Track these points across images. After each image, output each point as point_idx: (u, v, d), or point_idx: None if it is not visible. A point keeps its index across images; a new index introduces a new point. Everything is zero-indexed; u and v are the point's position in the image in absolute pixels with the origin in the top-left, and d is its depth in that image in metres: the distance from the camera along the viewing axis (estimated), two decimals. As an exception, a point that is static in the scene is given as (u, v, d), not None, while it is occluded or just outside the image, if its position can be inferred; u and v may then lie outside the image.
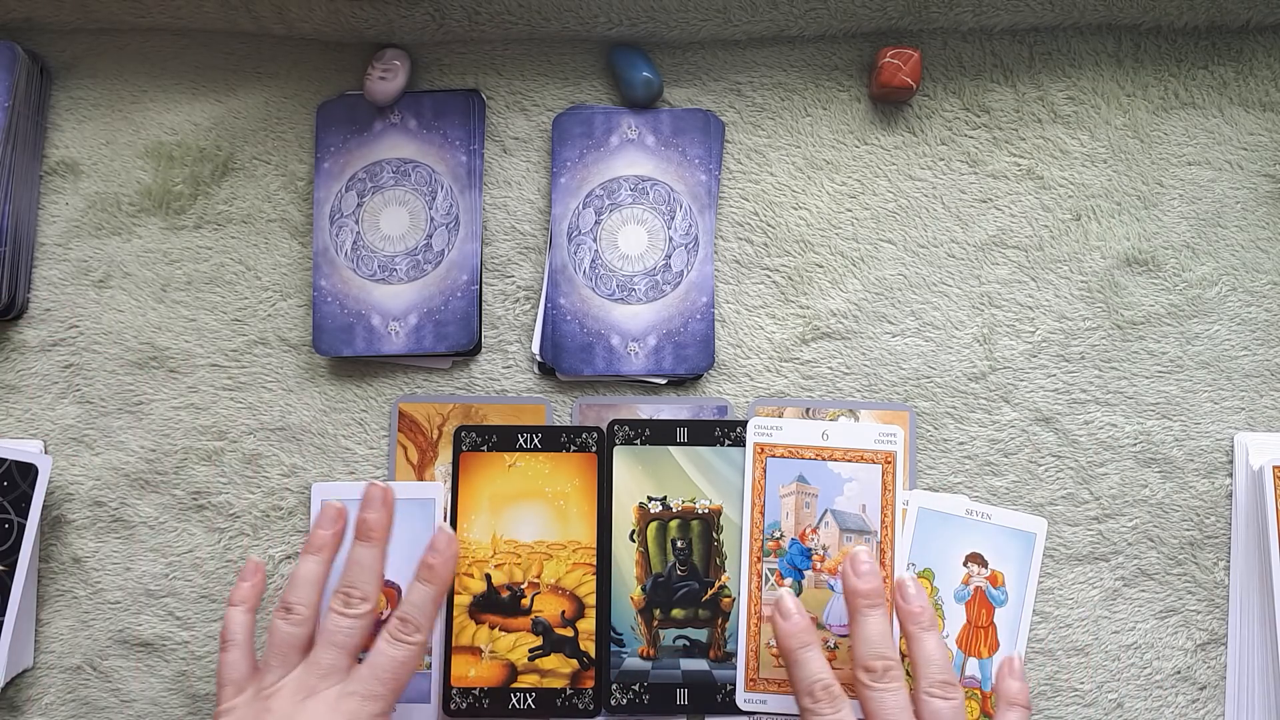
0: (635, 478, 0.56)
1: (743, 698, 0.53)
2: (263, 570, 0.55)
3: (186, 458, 0.59)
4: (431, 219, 0.60)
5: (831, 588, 0.53)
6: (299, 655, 0.50)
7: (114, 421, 0.60)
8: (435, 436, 0.59)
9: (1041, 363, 0.59)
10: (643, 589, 0.55)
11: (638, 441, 0.56)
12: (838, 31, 0.60)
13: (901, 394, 0.59)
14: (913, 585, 0.51)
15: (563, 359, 0.58)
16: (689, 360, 0.58)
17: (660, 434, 0.56)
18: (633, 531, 0.55)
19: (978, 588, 0.57)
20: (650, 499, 0.55)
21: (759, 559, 0.53)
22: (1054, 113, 0.60)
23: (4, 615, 0.55)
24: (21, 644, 0.57)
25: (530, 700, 0.54)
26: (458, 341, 0.59)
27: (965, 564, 0.57)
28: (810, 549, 0.53)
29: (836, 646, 0.53)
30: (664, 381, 0.59)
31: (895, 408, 0.58)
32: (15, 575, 0.55)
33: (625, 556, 0.55)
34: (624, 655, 0.54)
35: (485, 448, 0.56)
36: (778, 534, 0.54)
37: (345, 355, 0.59)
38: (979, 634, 0.56)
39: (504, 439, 0.56)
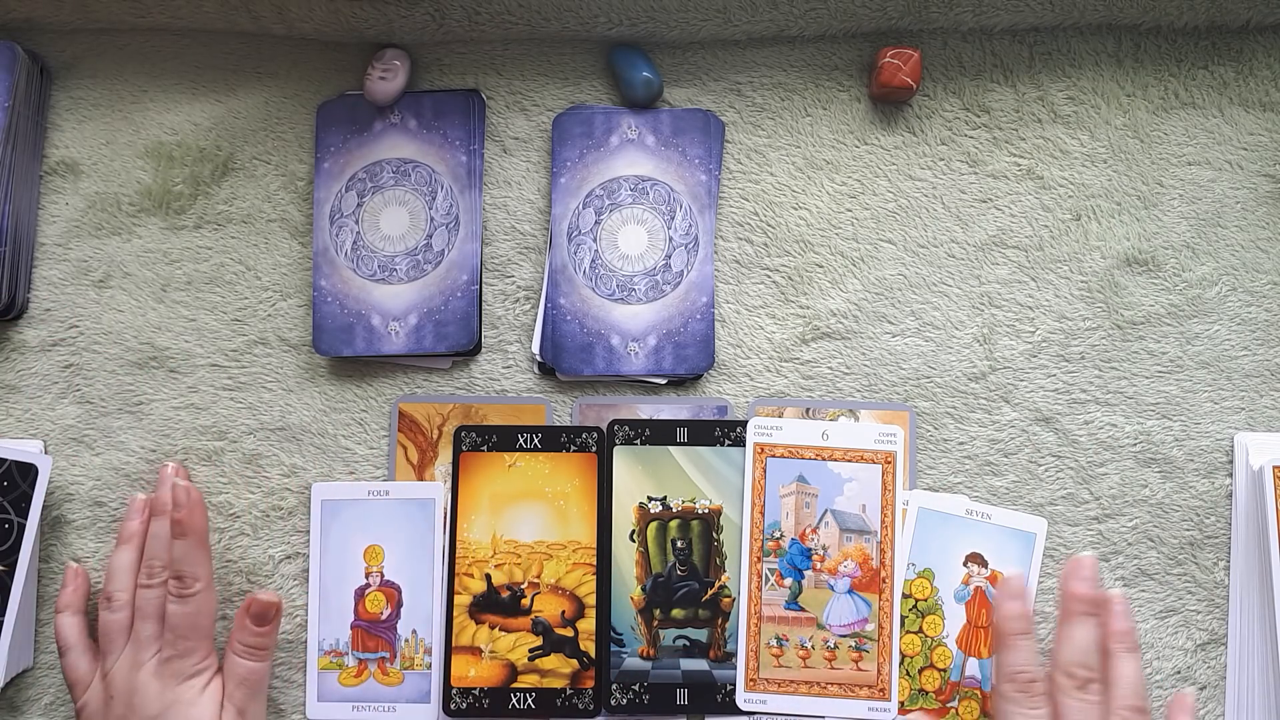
0: (635, 478, 0.56)
1: (743, 698, 0.53)
2: (83, 574, 0.58)
3: (186, 458, 0.59)
4: (431, 219, 0.60)
5: (831, 588, 0.53)
6: (125, 638, 0.54)
7: (114, 421, 0.60)
8: (435, 436, 0.59)
9: (1041, 363, 0.59)
10: (643, 589, 0.55)
11: (638, 441, 0.56)
12: (838, 31, 0.60)
13: (901, 394, 0.59)
14: (1124, 605, 0.52)
15: (563, 359, 0.58)
16: (689, 360, 0.58)
17: (660, 434, 0.56)
18: (633, 531, 0.55)
19: (978, 588, 0.57)
20: (650, 499, 0.55)
21: (759, 559, 0.53)
22: (1054, 113, 0.60)
23: (4, 615, 0.55)
24: (21, 644, 0.57)
25: (530, 700, 0.54)
26: (458, 341, 0.59)
27: (965, 564, 0.57)
28: (810, 549, 0.53)
29: (836, 647, 0.53)
30: (664, 381, 0.59)
31: (895, 408, 0.58)
32: (15, 575, 0.55)
33: (625, 556, 0.55)
34: (624, 655, 0.54)
35: (485, 448, 0.56)
36: (778, 534, 0.54)
37: (345, 355, 0.59)
38: (979, 634, 0.56)
39: (504, 439, 0.55)
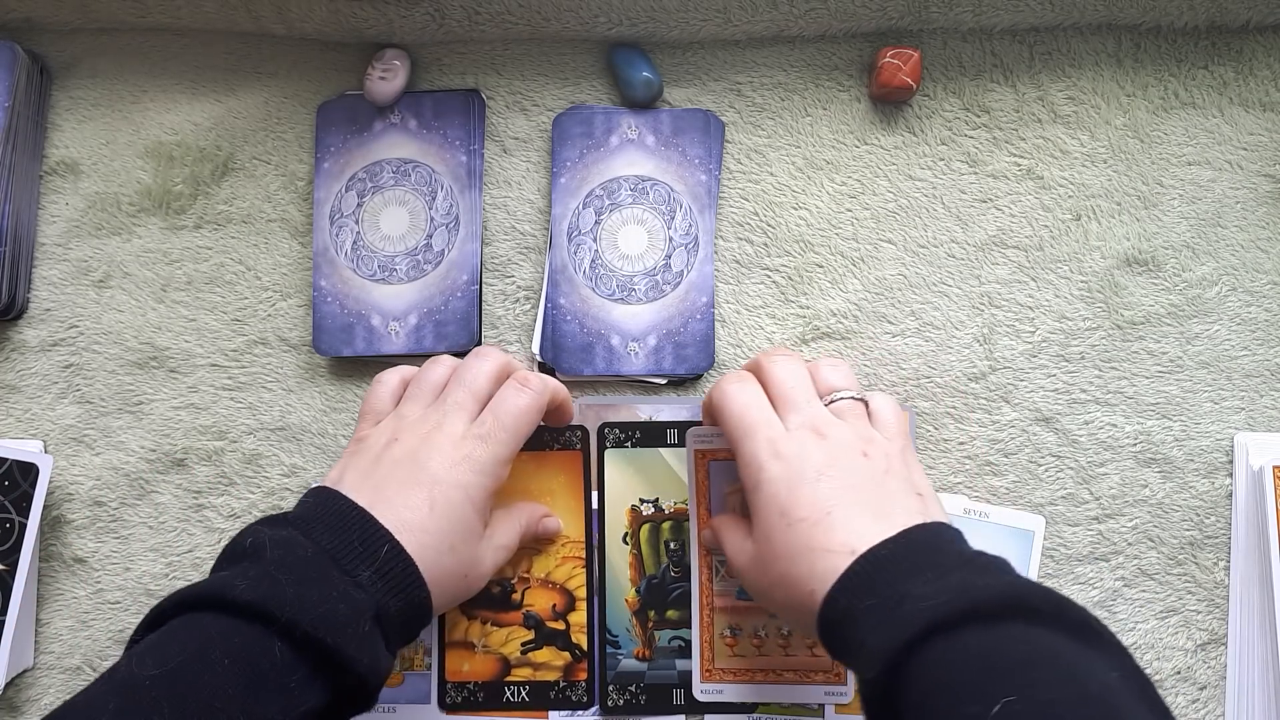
0: (627, 480, 0.56)
1: (699, 688, 0.53)
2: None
3: (186, 458, 0.59)
4: (431, 219, 0.60)
5: None
6: (435, 396, 0.50)
7: (114, 421, 0.60)
8: (435, 436, 0.59)
9: (1041, 363, 0.59)
10: (637, 591, 0.55)
11: (628, 444, 0.56)
12: (838, 31, 0.60)
13: (901, 394, 0.59)
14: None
15: (563, 359, 0.58)
16: (689, 360, 0.58)
17: (650, 436, 0.56)
18: (625, 534, 0.55)
19: (978, 588, 0.57)
20: (642, 501, 0.56)
21: (708, 552, 0.53)
22: (1054, 113, 0.60)
23: (4, 615, 0.55)
24: (21, 644, 0.57)
25: (524, 693, 0.54)
26: (458, 341, 0.59)
27: (965, 564, 0.57)
28: None
29: (790, 634, 0.53)
30: (664, 381, 0.59)
31: (895, 408, 0.58)
32: (16, 575, 0.55)
33: (619, 559, 0.55)
34: (620, 657, 0.55)
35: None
36: None
37: (345, 355, 0.59)
38: (979, 634, 0.56)
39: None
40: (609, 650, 0.55)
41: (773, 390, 0.48)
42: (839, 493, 0.43)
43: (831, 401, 0.48)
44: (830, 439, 0.45)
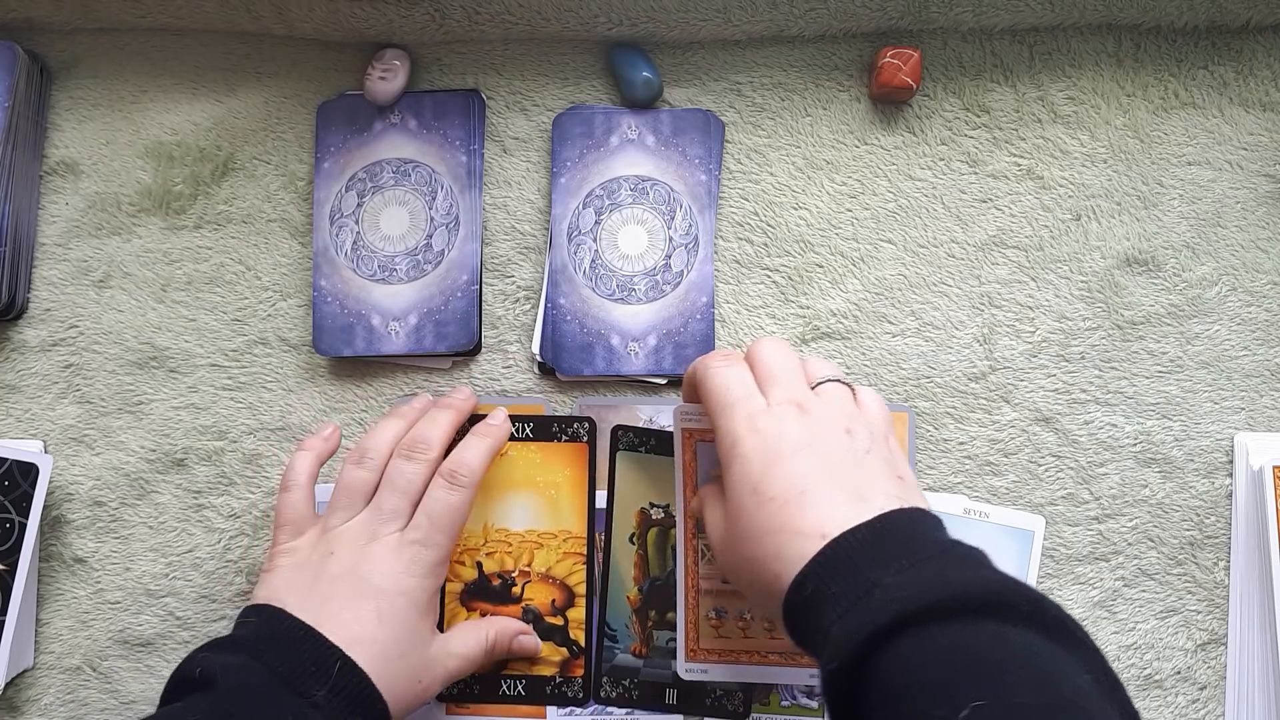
0: (638, 483, 0.56)
1: (684, 667, 0.52)
2: (338, 433, 0.55)
3: (186, 458, 0.59)
4: (431, 219, 0.60)
5: None
6: (364, 502, 0.50)
7: (114, 421, 0.60)
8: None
9: (1041, 363, 0.59)
10: (639, 590, 0.55)
11: (642, 450, 0.56)
12: (838, 31, 0.60)
13: (901, 394, 0.59)
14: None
15: (563, 359, 0.58)
16: (689, 360, 0.58)
17: (664, 445, 0.56)
18: (633, 534, 0.55)
19: (978, 588, 0.57)
20: (653, 505, 0.56)
21: (694, 535, 0.52)
22: (1054, 113, 0.60)
23: (4, 615, 0.55)
24: (21, 644, 0.57)
25: (520, 687, 0.54)
26: (458, 341, 0.59)
27: (965, 564, 0.57)
28: None
29: (753, 619, 0.52)
30: (664, 381, 0.59)
31: (895, 408, 0.58)
32: (16, 575, 0.55)
33: (624, 558, 0.55)
34: (616, 650, 0.55)
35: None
36: None
37: (345, 355, 0.59)
38: (979, 634, 0.56)
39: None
40: (607, 644, 0.55)
41: (758, 369, 0.46)
42: (814, 470, 0.41)
43: (818, 385, 0.46)
44: (813, 415, 0.43)
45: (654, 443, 0.56)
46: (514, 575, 0.55)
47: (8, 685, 0.57)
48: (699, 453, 0.52)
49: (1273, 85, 0.60)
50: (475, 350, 0.59)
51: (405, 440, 0.51)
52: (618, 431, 0.56)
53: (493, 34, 0.61)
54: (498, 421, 0.54)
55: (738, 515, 0.42)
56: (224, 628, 0.58)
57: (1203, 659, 0.57)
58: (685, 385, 0.51)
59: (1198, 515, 0.58)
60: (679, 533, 0.52)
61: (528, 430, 0.56)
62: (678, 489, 0.52)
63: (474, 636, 0.51)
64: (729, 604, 0.53)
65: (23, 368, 0.60)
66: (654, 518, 0.55)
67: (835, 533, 0.38)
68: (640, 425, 0.57)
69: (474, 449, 0.51)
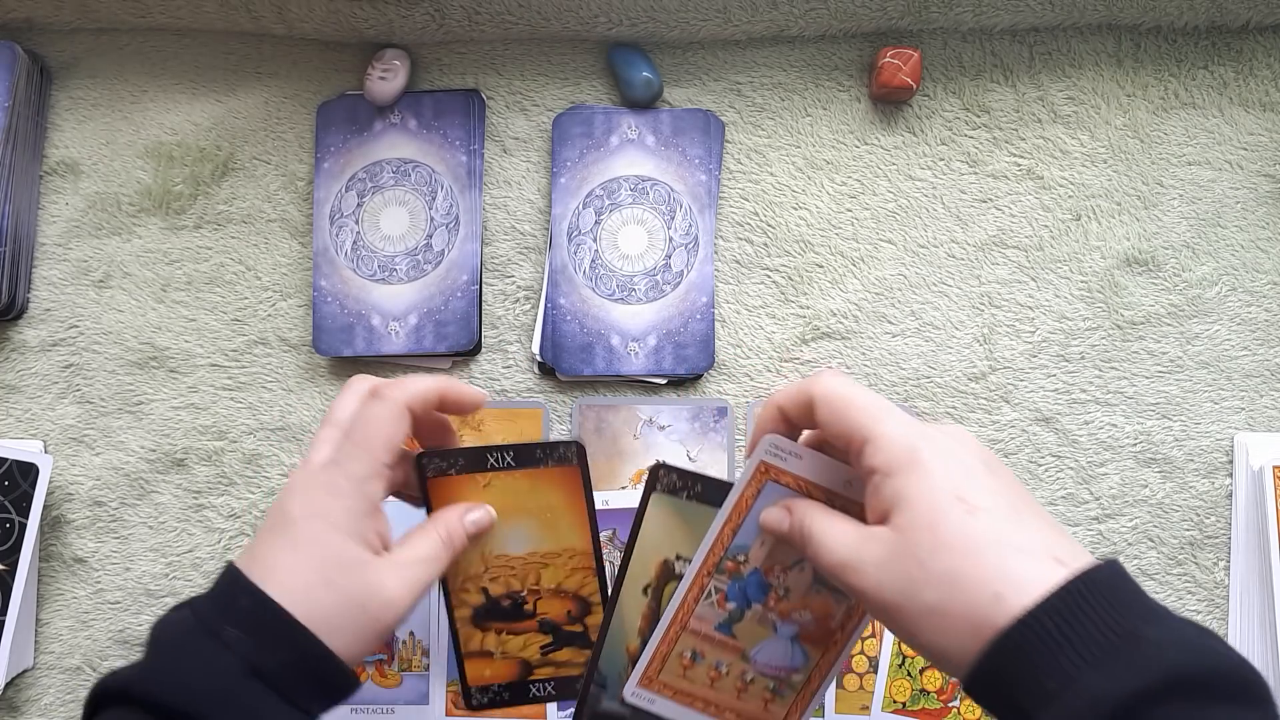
0: (669, 531, 0.49)
1: (631, 690, 0.48)
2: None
3: (186, 458, 0.59)
4: (431, 219, 0.60)
5: (775, 628, 0.46)
6: None
7: (114, 421, 0.60)
8: (435, 436, 0.59)
9: (1041, 363, 0.59)
10: (642, 643, 0.50)
11: (684, 495, 0.49)
12: (838, 31, 0.60)
13: (901, 394, 0.59)
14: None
15: (563, 359, 0.58)
16: (689, 360, 0.58)
17: (712, 493, 0.48)
18: (648, 585, 0.50)
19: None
20: (679, 559, 0.50)
21: (709, 573, 0.47)
22: (1054, 113, 0.60)
23: (4, 615, 0.55)
24: (21, 644, 0.57)
25: (550, 689, 0.53)
26: (458, 341, 0.59)
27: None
28: (771, 585, 0.47)
29: (753, 681, 0.48)
30: (664, 381, 0.59)
31: (895, 408, 0.58)
32: (16, 575, 0.55)
33: (632, 608, 0.50)
34: (603, 697, 0.51)
35: (453, 471, 0.51)
36: (741, 558, 0.47)
37: (345, 355, 0.59)
38: (979, 634, 0.56)
39: (472, 461, 0.51)
40: (595, 689, 0.52)
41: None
42: (1010, 487, 0.36)
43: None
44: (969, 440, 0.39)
45: (699, 489, 0.48)
46: (523, 594, 0.53)
47: (8, 685, 0.57)
48: (764, 493, 0.46)
49: (1273, 85, 0.60)
50: (475, 350, 0.59)
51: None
52: (659, 471, 0.49)
53: (493, 34, 0.61)
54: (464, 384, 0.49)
55: (931, 525, 0.36)
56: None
57: (1203, 659, 0.57)
58: (767, 418, 0.44)
59: (1198, 515, 0.58)
60: (694, 564, 0.46)
61: (509, 459, 0.51)
62: (719, 519, 0.46)
63: (424, 539, 0.47)
64: (710, 651, 0.48)
65: (23, 368, 0.60)
66: (676, 571, 0.50)
67: (1073, 564, 0.33)
68: (686, 468, 0.51)
69: (413, 378, 0.47)
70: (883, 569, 0.37)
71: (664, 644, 0.47)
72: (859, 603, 0.45)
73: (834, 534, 0.40)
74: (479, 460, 0.51)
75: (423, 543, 0.47)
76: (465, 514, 0.49)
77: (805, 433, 0.44)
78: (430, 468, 0.50)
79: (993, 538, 0.34)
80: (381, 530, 0.45)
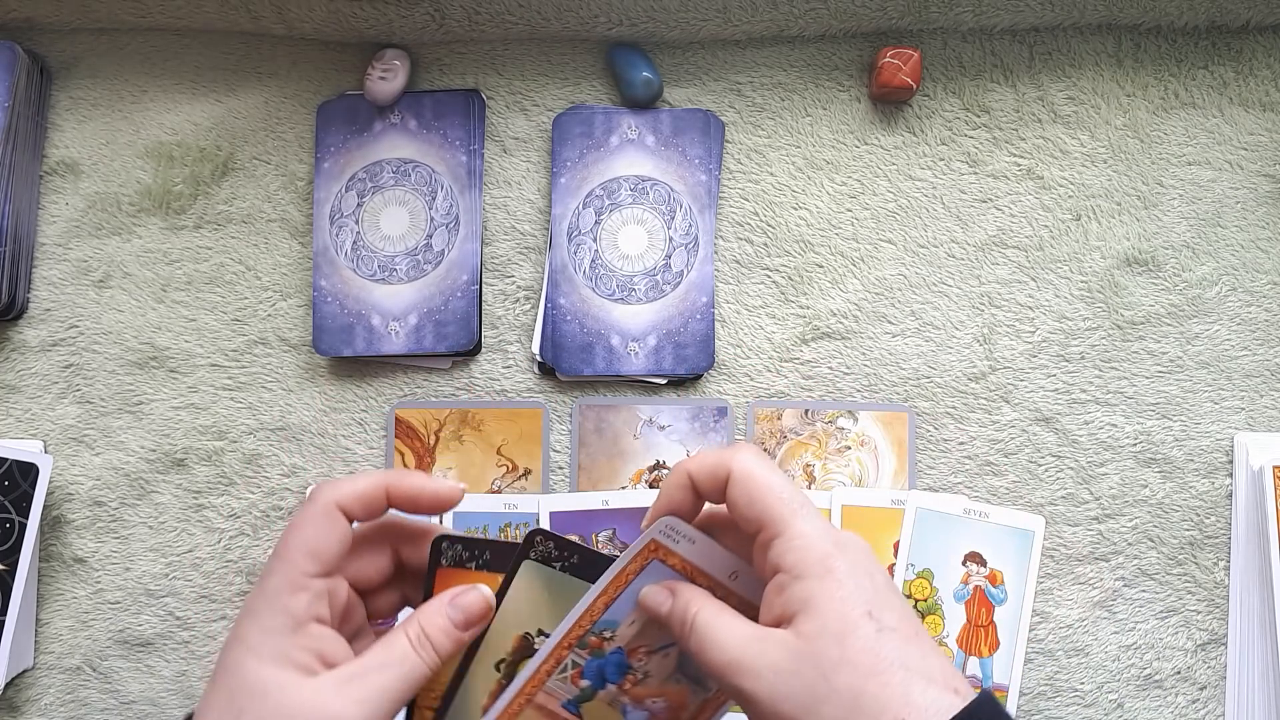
0: (533, 604, 0.43)
1: None
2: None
3: (186, 458, 0.59)
4: (431, 219, 0.60)
5: (624, 712, 0.43)
6: None
7: (114, 421, 0.60)
8: (432, 442, 0.59)
9: (1041, 363, 0.59)
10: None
11: (558, 565, 0.44)
12: (838, 31, 0.60)
13: (901, 394, 0.59)
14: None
15: (563, 359, 0.58)
16: (689, 360, 0.58)
17: (589, 566, 0.43)
18: (501, 661, 0.44)
19: (977, 586, 0.57)
20: (541, 633, 0.43)
21: (570, 645, 0.43)
22: (1054, 113, 0.60)
23: (4, 615, 0.55)
24: (21, 644, 0.57)
25: None
26: (458, 341, 0.59)
27: (964, 563, 0.57)
28: (631, 668, 0.43)
29: None
30: (664, 381, 0.59)
31: (895, 408, 0.58)
32: (16, 575, 0.55)
33: (480, 682, 0.44)
34: None
35: (474, 565, 0.44)
36: (608, 634, 0.43)
37: (345, 355, 0.59)
38: (979, 633, 0.56)
39: (499, 557, 0.44)
40: None
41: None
42: (910, 611, 0.37)
43: None
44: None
45: (575, 560, 0.43)
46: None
47: (8, 685, 0.57)
48: (647, 570, 0.42)
49: (1273, 85, 0.60)
50: (475, 350, 0.59)
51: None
52: (535, 538, 0.43)
53: (493, 34, 0.61)
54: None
55: (839, 637, 0.35)
56: (223, 628, 0.58)
57: (1203, 659, 0.57)
58: (697, 479, 0.40)
59: (1198, 515, 0.58)
60: (557, 633, 0.42)
61: (572, 560, 0.44)
62: (594, 590, 0.42)
63: (383, 643, 0.40)
64: None
65: (23, 368, 0.60)
66: (534, 647, 0.44)
67: (966, 693, 0.34)
68: (568, 538, 0.44)
69: (360, 474, 0.43)
70: (780, 676, 0.36)
71: (505, 715, 0.43)
72: (724, 700, 0.42)
73: (726, 630, 0.38)
74: (505, 559, 0.43)
75: (380, 649, 0.40)
76: (449, 601, 0.42)
77: (706, 505, 0.42)
78: (449, 555, 0.44)
79: (899, 660, 0.34)
80: (320, 647, 0.39)
